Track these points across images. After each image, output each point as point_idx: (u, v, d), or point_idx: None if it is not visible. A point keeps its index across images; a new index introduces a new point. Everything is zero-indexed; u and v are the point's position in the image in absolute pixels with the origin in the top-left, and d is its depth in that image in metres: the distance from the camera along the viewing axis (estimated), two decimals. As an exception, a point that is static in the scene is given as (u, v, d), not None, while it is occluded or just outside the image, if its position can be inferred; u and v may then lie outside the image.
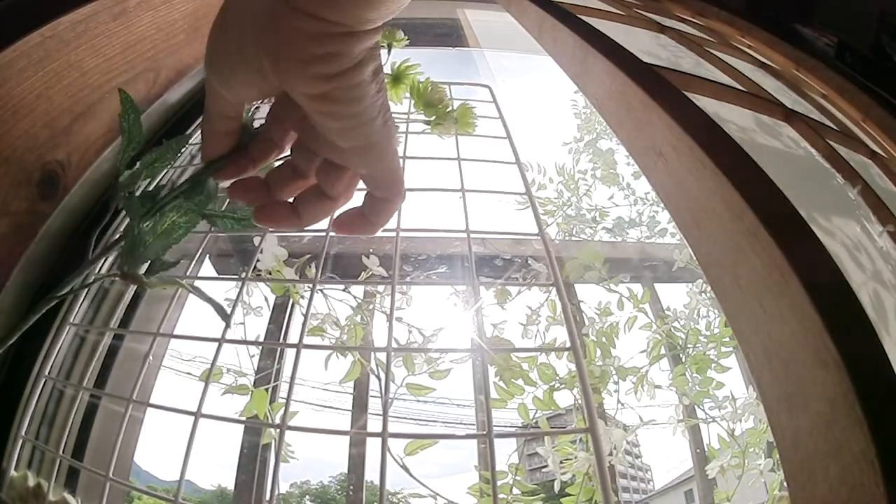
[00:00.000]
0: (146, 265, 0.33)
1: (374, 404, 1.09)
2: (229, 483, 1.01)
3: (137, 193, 0.33)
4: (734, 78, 0.58)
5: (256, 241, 0.84)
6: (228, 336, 0.41)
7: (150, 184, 0.34)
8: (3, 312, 0.46)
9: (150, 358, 0.48)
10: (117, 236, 0.34)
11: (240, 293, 0.60)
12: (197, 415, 0.35)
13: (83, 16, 0.50)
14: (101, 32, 0.53)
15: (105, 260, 0.48)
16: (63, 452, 0.49)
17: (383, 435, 0.30)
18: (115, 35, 0.55)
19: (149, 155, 0.34)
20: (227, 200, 0.37)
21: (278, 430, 0.35)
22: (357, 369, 0.97)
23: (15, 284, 0.47)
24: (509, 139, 0.60)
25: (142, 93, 0.60)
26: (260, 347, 1.02)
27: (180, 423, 0.39)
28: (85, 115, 0.52)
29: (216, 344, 0.42)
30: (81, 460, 0.53)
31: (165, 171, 0.37)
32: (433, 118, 0.58)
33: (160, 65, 0.63)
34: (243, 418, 0.87)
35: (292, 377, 0.36)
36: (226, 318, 0.33)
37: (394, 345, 0.94)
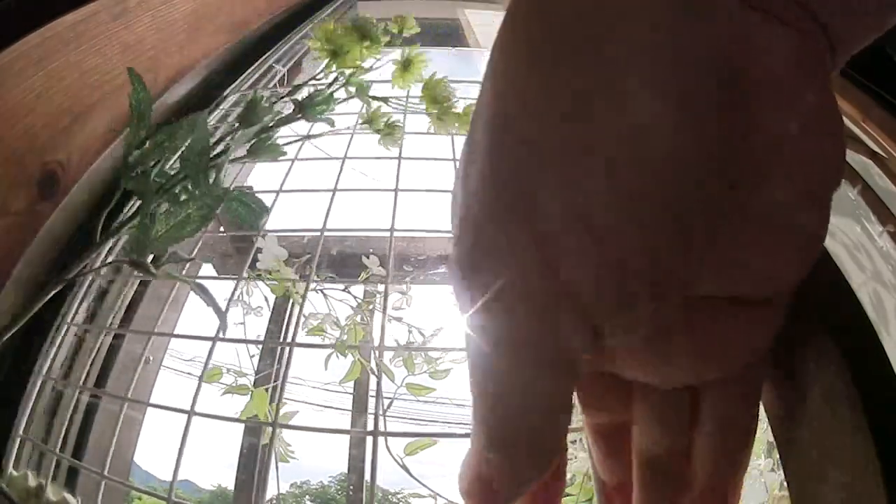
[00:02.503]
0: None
1: (374, 404, 1.08)
2: (229, 483, 1.01)
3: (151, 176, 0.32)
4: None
5: (256, 241, 0.84)
6: (225, 336, 0.41)
7: (160, 165, 0.33)
8: (2, 312, 0.46)
9: (150, 359, 0.48)
10: (127, 218, 0.33)
11: (235, 289, 0.60)
12: (190, 413, 0.35)
13: (83, 16, 0.50)
14: (101, 32, 0.53)
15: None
16: (63, 452, 0.49)
17: (374, 433, 0.30)
18: (115, 35, 0.54)
19: (160, 134, 0.33)
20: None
21: (273, 429, 0.35)
22: (357, 369, 0.97)
23: (15, 284, 0.47)
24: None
25: (142, 93, 0.60)
26: (260, 348, 1.02)
27: (180, 424, 0.39)
28: (85, 115, 0.52)
29: (215, 344, 0.42)
30: (81, 460, 0.53)
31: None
32: (435, 112, 0.59)
33: (160, 65, 0.63)
34: (237, 417, 0.87)
35: (284, 374, 0.36)
36: (223, 320, 0.33)
37: (393, 345, 0.93)
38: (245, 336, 0.94)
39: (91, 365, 0.55)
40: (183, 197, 0.32)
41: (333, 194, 0.50)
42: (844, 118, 0.67)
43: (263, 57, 0.80)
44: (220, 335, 0.39)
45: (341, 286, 1.03)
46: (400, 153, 0.58)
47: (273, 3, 0.84)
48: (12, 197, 0.45)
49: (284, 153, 0.54)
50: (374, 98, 0.58)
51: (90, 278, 0.54)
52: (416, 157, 0.58)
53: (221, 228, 0.96)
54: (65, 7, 0.48)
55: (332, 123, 0.56)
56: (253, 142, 0.50)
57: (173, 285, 0.70)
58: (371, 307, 1.04)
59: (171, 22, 0.63)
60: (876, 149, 0.58)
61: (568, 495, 0.92)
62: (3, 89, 0.43)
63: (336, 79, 0.57)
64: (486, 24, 1.23)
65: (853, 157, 0.53)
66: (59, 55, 0.48)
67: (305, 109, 0.53)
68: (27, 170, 0.47)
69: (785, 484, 0.25)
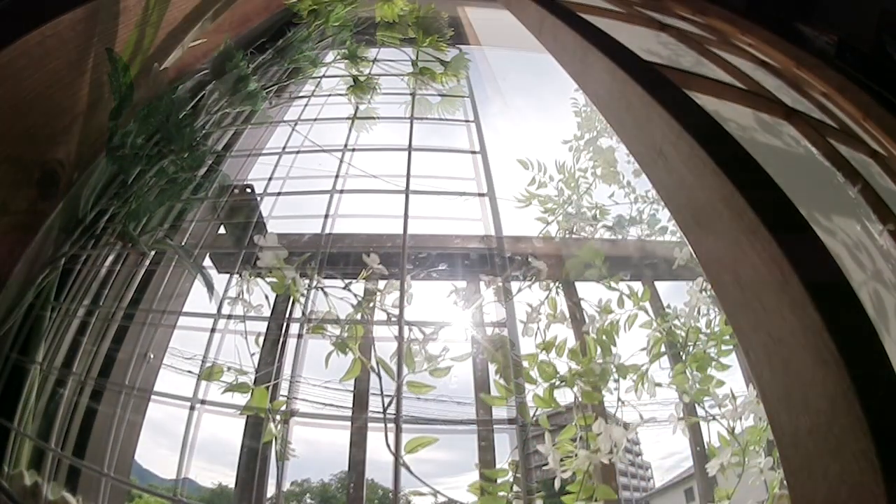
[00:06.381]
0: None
1: (375, 402, 1.08)
2: (230, 482, 1.01)
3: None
4: (735, 76, 0.58)
5: (257, 239, 0.84)
6: (221, 328, 0.41)
7: (143, 140, 0.33)
8: (4, 309, 0.46)
9: (151, 356, 0.48)
10: (115, 194, 0.33)
11: (230, 283, 0.60)
12: (193, 402, 0.35)
13: (83, 15, 0.50)
14: (101, 32, 0.53)
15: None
16: (63, 451, 0.49)
17: (397, 421, 0.30)
18: (115, 35, 0.54)
19: (141, 110, 0.33)
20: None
21: (283, 424, 0.35)
22: (357, 367, 0.97)
23: (16, 282, 0.47)
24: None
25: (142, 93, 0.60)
26: (260, 347, 1.02)
27: (180, 423, 0.39)
28: (85, 115, 0.52)
29: (215, 342, 0.42)
30: (82, 460, 0.53)
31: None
32: (424, 43, 0.56)
33: (160, 65, 0.62)
34: (244, 409, 0.87)
35: (294, 364, 0.35)
36: (211, 287, 0.33)
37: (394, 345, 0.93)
38: (245, 335, 0.94)
39: (91, 364, 0.55)
40: (171, 169, 0.32)
41: (343, 181, 0.50)
42: (845, 116, 0.67)
43: (263, 56, 0.80)
44: (220, 309, 0.39)
45: (342, 284, 1.03)
46: (410, 144, 0.57)
47: (273, 2, 0.84)
48: (12, 197, 0.45)
49: (266, 99, 0.52)
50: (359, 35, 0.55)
51: (90, 278, 0.54)
52: (423, 148, 0.58)
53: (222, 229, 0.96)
54: (65, 7, 0.48)
55: (315, 63, 0.55)
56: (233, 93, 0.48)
57: (172, 288, 0.70)
58: (371, 305, 1.04)
59: (171, 22, 0.63)
60: (876, 147, 0.58)
61: (568, 493, 0.92)
62: (4, 88, 0.43)
63: (317, 25, 0.55)
64: (486, 22, 1.23)
65: (853, 156, 0.53)
66: (60, 54, 0.48)
67: (284, 51, 0.52)
68: (27, 170, 0.47)
69: (785, 482, 0.25)
